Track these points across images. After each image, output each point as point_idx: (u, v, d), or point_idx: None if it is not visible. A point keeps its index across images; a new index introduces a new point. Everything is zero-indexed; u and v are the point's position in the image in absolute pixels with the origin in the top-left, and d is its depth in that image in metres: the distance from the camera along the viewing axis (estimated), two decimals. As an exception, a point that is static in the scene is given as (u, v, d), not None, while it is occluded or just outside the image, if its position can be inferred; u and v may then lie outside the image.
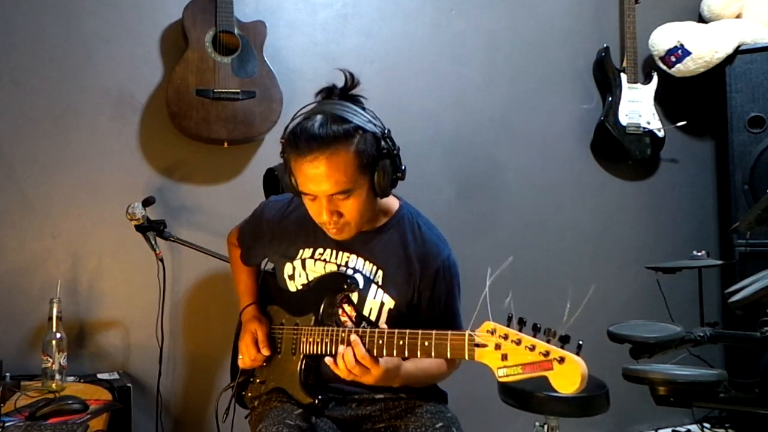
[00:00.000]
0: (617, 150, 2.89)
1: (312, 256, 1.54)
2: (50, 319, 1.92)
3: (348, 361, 1.29)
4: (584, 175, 2.95)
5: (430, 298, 1.49)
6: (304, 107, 1.42)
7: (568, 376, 1.01)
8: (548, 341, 1.05)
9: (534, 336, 1.07)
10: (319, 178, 1.34)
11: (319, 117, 1.35)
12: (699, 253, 2.34)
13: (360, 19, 2.60)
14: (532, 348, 1.05)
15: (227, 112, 2.22)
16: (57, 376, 1.91)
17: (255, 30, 2.30)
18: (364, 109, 1.42)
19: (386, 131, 1.41)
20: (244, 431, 1.71)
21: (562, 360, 1.02)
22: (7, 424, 1.59)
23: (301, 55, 2.50)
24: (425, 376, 1.47)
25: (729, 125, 2.84)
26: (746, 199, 2.77)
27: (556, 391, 1.03)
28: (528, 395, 1.93)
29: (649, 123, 2.89)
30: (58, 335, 1.92)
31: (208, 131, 2.21)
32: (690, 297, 2.61)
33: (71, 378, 2.05)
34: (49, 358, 1.90)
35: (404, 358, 1.35)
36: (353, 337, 1.29)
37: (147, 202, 2.10)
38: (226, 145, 2.29)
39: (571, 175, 2.92)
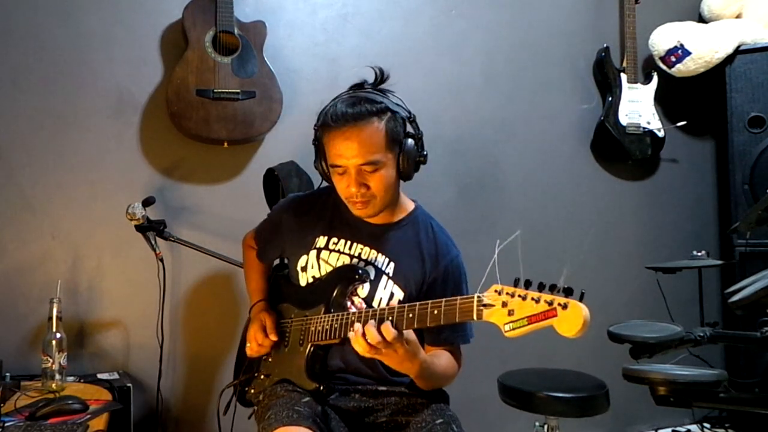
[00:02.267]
0: (617, 150, 2.89)
1: (326, 246, 1.58)
2: (50, 319, 1.92)
3: (372, 337, 1.28)
4: (584, 175, 2.95)
5: (439, 295, 1.50)
6: (338, 96, 1.51)
7: (571, 320, 1.05)
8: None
9: (539, 292, 1.12)
10: (350, 149, 1.42)
11: (351, 98, 1.46)
12: (699, 253, 2.33)
13: (360, 19, 2.60)
14: (537, 300, 1.10)
15: (227, 112, 2.22)
16: (57, 376, 1.90)
17: (255, 30, 2.30)
18: (391, 96, 1.51)
19: (413, 116, 1.52)
20: (245, 427, 1.72)
21: (565, 306, 1.06)
22: (7, 424, 1.59)
23: (301, 55, 2.50)
24: (439, 373, 1.49)
25: (729, 125, 2.84)
26: (746, 199, 2.77)
27: (562, 336, 1.07)
28: (528, 395, 1.93)
29: (649, 123, 2.89)
30: (58, 335, 1.91)
31: (208, 131, 2.21)
32: (690, 297, 2.61)
33: (71, 378, 2.05)
34: (49, 358, 1.90)
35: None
36: (386, 322, 1.30)
37: (147, 202, 2.10)
38: (226, 145, 2.29)
39: (571, 175, 2.92)
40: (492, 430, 2.71)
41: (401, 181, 1.54)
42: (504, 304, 1.14)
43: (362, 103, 1.43)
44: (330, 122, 1.44)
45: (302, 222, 1.64)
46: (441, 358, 1.50)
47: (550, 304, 1.08)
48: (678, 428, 2.96)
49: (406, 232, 1.57)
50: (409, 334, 1.33)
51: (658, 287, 2.49)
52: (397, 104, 1.50)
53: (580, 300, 1.07)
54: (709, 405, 2.33)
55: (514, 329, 1.12)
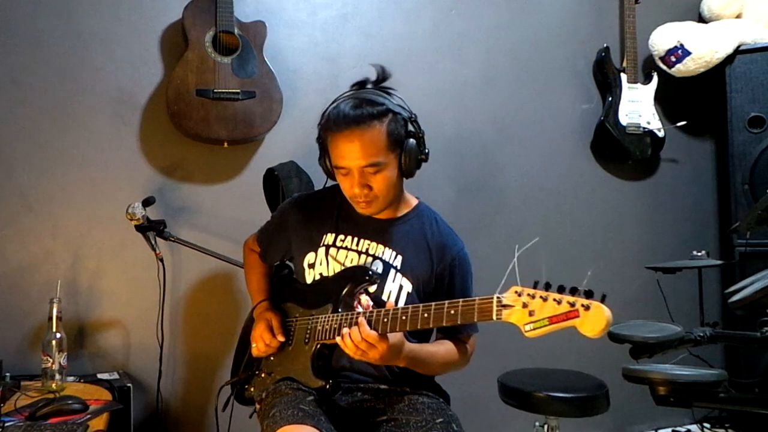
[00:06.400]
0: (617, 150, 2.89)
1: (334, 243, 1.60)
2: (50, 319, 1.92)
3: (354, 337, 1.34)
4: (584, 175, 2.95)
5: (447, 287, 1.57)
6: (341, 95, 1.53)
7: (594, 320, 1.08)
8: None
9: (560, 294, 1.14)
10: (353, 152, 1.45)
11: (353, 100, 1.49)
12: (699, 253, 2.33)
13: (360, 19, 2.60)
14: (559, 302, 1.12)
15: (227, 112, 2.22)
16: (57, 376, 1.91)
17: (255, 30, 2.30)
18: (393, 96, 1.53)
19: (414, 115, 1.54)
20: (243, 427, 1.71)
21: (588, 307, 1.09)
22: (7, 424, 1.60)
23: (301, 55, 2.50)
24: (431, 358, 1.51)
25: (729, 125, 2.84)
26: (746, 199, 2.77)
27: (583, 336, 1.10)
28: (528, 395, 1.93)
29: (649, 123, 2.89)
30: (58, 335, 1.92)
31: (208, 131, 2.21)
32: (690, 297, 2.60)
33: (71, 378, 2.05)
34: (49, 358, 1.90)
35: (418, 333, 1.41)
36: (360, 318, 1.36)
37: (147, 202, 2.10)
38: (226, 145, 2.29)
39: (571, 175, 2.92)
40: (492, 430, 2.71)
41: (404, 179, 1.57)
42: (524, 305, 1.16)
43: (364, 106, 1.46)
44: (332, 124, 1.47)
45: (310, 219, 1.66)
46: (441, 346, 1.54)
47: (573, 305, 1.10)
48: (678, 428, 2.96)
49: (411, 226, 1.60)
50: (393, 336, 1.36)
51: (658, 287, 2.48)
52: (399, 104, 1.52)
53: (602, 302, 1.10)
54: (709, 405, 2.32)
55: (534, 329, 1.14)
